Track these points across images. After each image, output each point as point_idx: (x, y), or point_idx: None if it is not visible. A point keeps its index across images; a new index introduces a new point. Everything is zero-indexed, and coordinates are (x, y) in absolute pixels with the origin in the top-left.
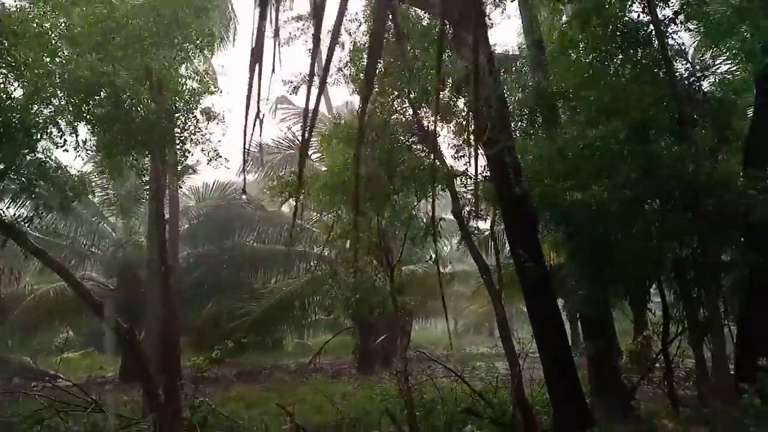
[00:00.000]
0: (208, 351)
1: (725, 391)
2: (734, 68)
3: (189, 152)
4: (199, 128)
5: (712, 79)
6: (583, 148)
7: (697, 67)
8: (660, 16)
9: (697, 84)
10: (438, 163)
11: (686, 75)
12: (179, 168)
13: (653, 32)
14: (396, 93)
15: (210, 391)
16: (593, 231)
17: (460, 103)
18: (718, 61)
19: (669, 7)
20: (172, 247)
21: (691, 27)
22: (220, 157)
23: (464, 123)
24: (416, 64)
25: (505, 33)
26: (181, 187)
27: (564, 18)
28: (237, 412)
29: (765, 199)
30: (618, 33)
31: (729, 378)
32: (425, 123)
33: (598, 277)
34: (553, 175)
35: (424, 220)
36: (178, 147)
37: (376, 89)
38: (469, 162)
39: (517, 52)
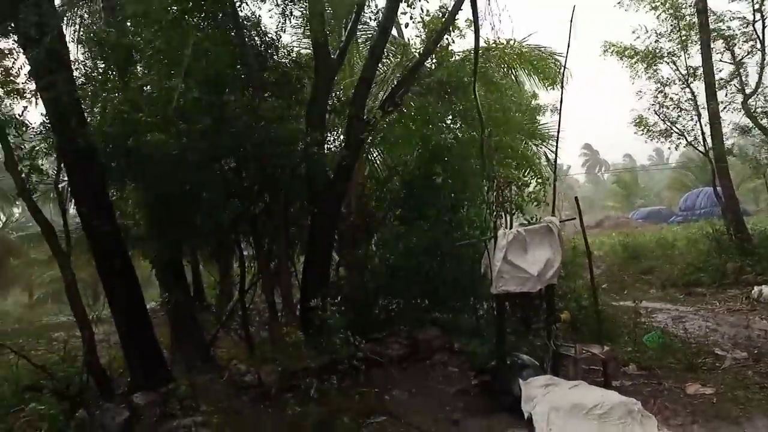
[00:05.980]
0: None
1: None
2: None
3: None
4: None
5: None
6: (157, 97)
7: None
8: None
9: (270, 54)
10: None
11: (260, 45)
12: None
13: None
14: None
15: None
16: (165, 183)
17: None
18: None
19: None
20: None
21: None
22: None
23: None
24: None
25: None
26: None
27: None
28: None
29: (321, 155)
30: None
31: (295, 319)
32: None
33: (171, 230)
34: (126, 125)
35: None
36: None
37: None
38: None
39: None
